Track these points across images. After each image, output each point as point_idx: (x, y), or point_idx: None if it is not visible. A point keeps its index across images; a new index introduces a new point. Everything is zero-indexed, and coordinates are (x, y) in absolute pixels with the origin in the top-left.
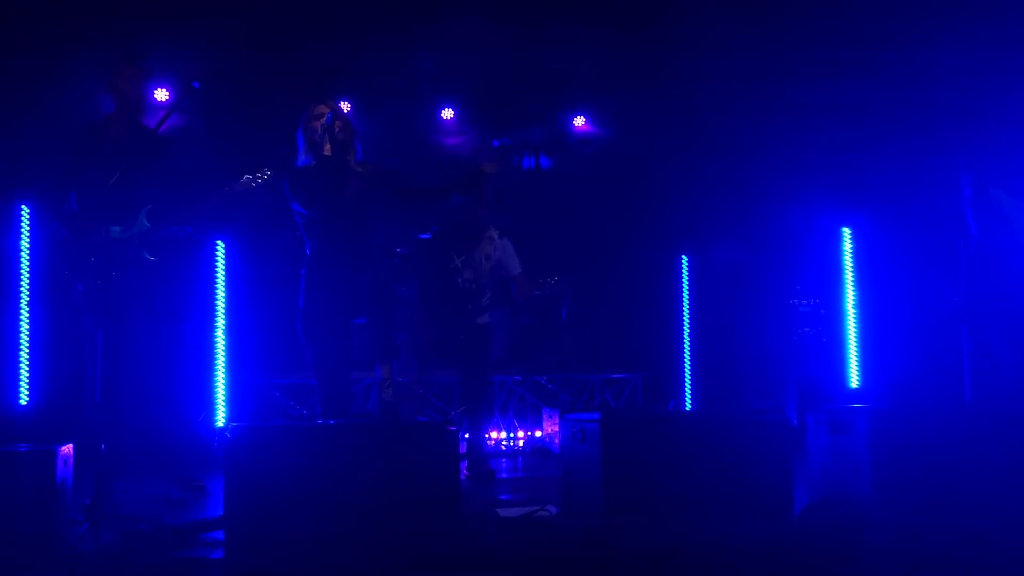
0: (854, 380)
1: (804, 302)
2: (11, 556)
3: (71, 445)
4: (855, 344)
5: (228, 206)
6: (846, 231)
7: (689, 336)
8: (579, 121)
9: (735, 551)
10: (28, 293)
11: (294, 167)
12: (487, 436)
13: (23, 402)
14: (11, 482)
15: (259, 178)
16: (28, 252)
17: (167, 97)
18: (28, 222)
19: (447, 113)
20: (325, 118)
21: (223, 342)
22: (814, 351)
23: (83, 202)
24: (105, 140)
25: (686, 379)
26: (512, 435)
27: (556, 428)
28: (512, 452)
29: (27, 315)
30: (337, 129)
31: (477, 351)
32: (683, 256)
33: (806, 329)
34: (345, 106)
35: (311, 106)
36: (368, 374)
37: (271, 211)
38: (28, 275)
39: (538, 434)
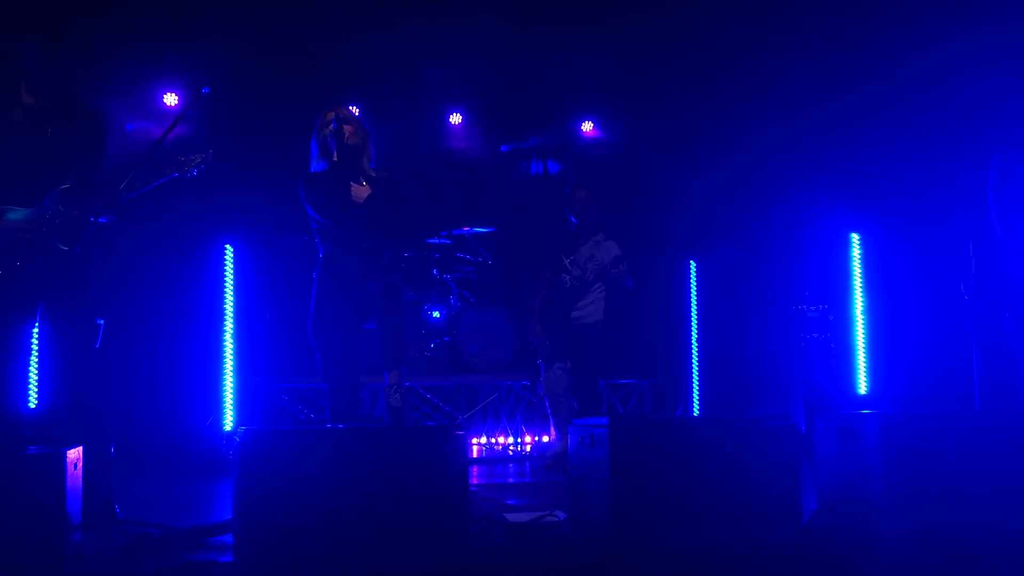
0: (862, 386)
1: (812, 307)
2: (19, 560)
3: (80, 448)
4: (863, 350)
5: (159, 192)
6: (855, 237)
7: (697, 341)
8: (587, 126)
9: (743, 557)
10: None
11: (307, 172)
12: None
13: (31, 405)
14: (19, 485)
15: (195, 161)
16: None
17: (176, 102)
18: None
19: (455, 118)
20: (331, 124)
21: (231, 346)
22: (822, 357)
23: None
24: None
25: (694, 385)
26: (519, 440)
27: None
28: (520, 457)
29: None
30: (348, 134)
31: (578, 349)
32: (691, 261)
33: (814, 334)
34: (354, 109)
35: (322, 113)
36: (377, 378)
37: (282, 214)
38: None
39: (546, 439)
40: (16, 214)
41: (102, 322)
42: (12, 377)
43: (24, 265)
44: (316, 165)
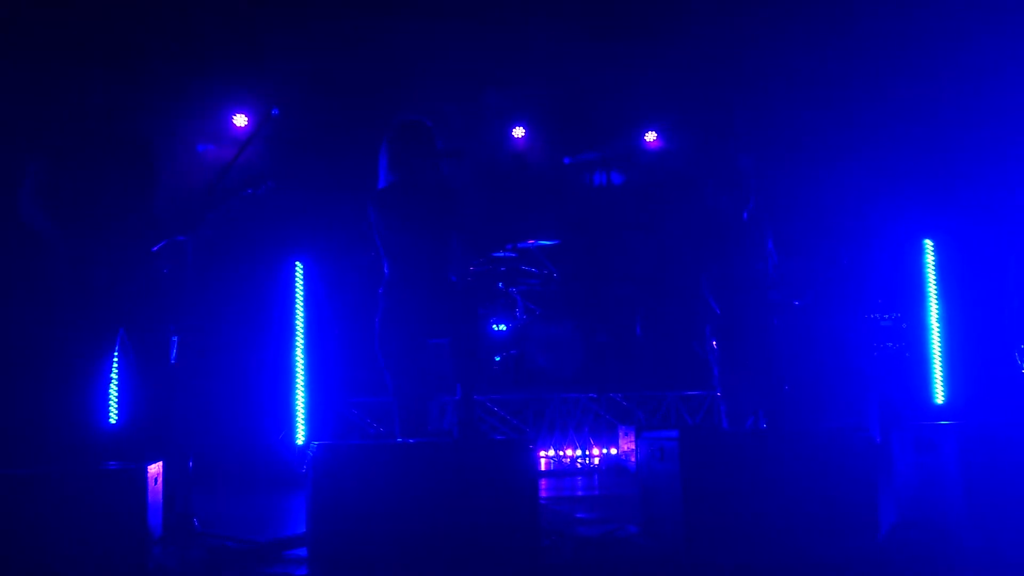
0: (939, 396)
1: (885, 316)
2: (103, 573)
3: (159, 464)
4: (940, 359)
5: (229, 210)
6: (928, 243)
7: None
8: (650, 136)
9: (818, 572)
10: None
11: (377, 188)
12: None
13: (112, 420)
14: (101, 500)
15: (260, 187)
16: None
17: (246, 123)
18: None
19: (518, 131)
20: (404, 134)
21: (302, 361)
22: (896, 366)
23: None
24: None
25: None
26: (587, 453)
27: (632, 445)
28: (588, 470)
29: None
30: (419, 145)
31: None
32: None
33: (888, 343)
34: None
35: (395, 124)
36: (445, 393)
37: (350, 231)
38: None
39: (613, 451)
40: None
41: (176, 338)
42: (95, 396)
43: (104, 289)
44: (387, 177)
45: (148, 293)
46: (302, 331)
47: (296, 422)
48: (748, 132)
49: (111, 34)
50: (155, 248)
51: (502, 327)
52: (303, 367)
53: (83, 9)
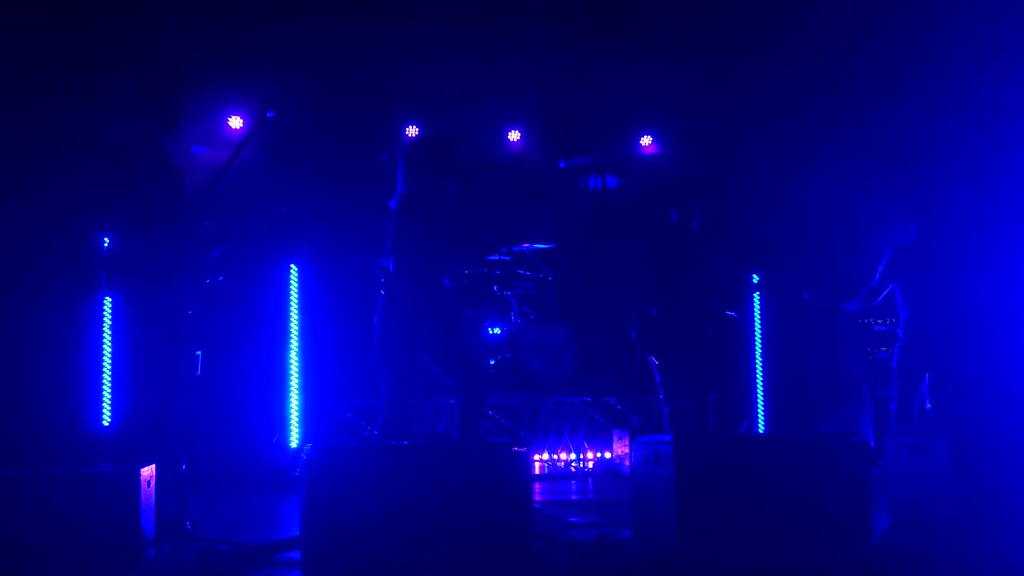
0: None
1: (879, 322)
2: (96, 574)
3: (153, 466)
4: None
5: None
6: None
7: (761, 356)
8: (646, 141)
9: None
10: (110, 311)
11: (398, 194)
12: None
13: (105, 423)
14: (94, 502)
15: (292, 206)
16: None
17: (241, 125)
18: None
19: (513, 135)
20: (422, 149)
21: (296, 364)
22: (891, 371)
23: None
24: None
25: (759, 400)
26: (581, 456)
27: (626, 449)
28: (582, 474)
29: (110, 334)
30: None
31: None
32: (753, 275)
33: (882, 348)
34: (413, 130)
35: (414, 139)
36: (441, 396)
37: (345, 234)
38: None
39: (607, 455)
40: None
41: (200, 353)
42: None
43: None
44: (406, 186)
45: (188, 305)
46: (296, 334)
47: (290, 425)
48: (740, 138)
49: (109, 36)
50: (214, 255)
51: (497, 331)
52: (297, 370)
53: (82, 9)
